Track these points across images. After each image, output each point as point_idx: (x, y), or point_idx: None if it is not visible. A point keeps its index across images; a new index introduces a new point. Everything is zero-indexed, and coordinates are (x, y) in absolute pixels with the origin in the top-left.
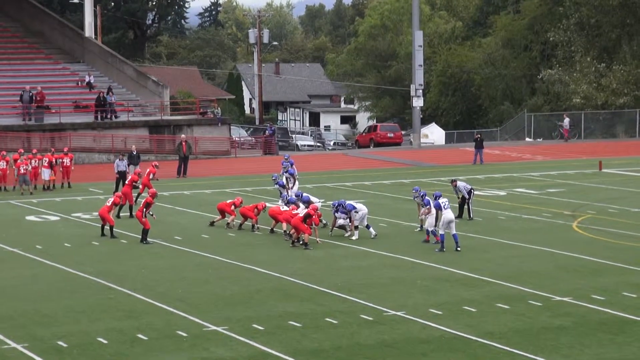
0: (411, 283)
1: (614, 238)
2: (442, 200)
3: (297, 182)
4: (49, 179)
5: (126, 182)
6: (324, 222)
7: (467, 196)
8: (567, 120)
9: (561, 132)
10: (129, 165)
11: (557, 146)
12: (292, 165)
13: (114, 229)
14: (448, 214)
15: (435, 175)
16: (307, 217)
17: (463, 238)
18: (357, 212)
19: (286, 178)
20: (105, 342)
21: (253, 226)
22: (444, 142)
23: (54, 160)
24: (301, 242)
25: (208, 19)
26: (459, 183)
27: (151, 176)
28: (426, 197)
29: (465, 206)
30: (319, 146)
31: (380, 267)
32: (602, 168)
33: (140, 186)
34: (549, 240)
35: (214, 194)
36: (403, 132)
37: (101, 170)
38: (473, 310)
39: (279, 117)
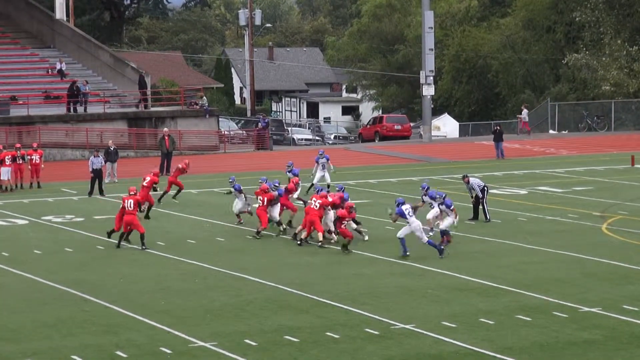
0: (421, 292)
1: None
2: (405, 207)
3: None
4: (6, 180)
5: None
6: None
7: (480, 195)
8: (524, 112)
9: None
10: (105, 162)
11: (584, 139)
12: (327, 160)
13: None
14: (414, 222)
15: (448, 172)
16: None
17: (479, 242)
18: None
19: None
20: None
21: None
22: (457, 135)
23: (18, 157)
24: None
25: None
26: (471, 180)
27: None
28: (431, 191)
29: (480, 206)
30: (317, 140)
31: (386, 275)
32: (635, 163)
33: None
34: (576, 244)
35: (201, 194)
36: (412, 124)
37: (74, 167)
38: (490, 322)
39: (273, 108)
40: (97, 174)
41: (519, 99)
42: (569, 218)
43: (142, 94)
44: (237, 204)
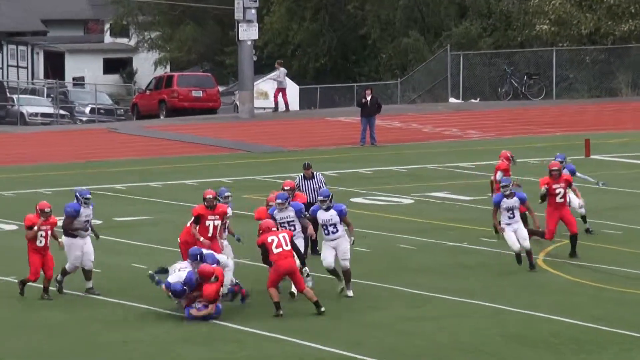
0: None
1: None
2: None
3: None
4: None
5: None
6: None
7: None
8: (281, 72)
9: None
10: None
11: (506, 112)
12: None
13: None
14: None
15: (285, 169)
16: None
17: (327, 282)
18: None
19: None
20: None
21: None
22: (297, 107)
23: None
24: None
25: None
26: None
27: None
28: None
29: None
30: (63, 116)
31: (179, 342)
32: (591, 152)
33: None
34: (490, 289)
35: None
36: (221, 89)
37: None
38: None
39: None
40: None
41: (399, 46)
42: (482, 244)
43: None
44: None
